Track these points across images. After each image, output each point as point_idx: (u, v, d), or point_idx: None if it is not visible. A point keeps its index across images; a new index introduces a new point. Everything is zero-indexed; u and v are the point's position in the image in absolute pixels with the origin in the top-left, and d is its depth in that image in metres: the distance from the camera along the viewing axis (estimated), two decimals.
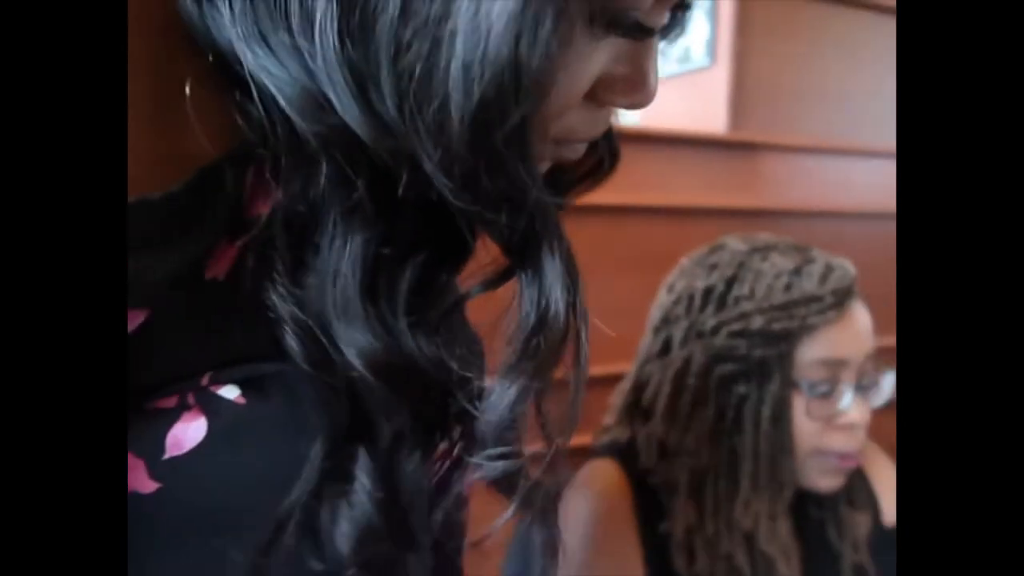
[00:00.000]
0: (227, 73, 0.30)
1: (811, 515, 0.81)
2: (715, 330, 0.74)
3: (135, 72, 0.28)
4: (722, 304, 0.74)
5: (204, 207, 0.31)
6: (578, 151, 0.37)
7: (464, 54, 0.26)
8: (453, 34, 0.26)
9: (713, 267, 0.77)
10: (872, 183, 1.99)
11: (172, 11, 0.30)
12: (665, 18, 0.33)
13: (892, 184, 2.01)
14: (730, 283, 0.75)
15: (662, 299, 0.82)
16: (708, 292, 0.76)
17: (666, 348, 0.78)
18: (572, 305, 0.31)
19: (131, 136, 0.27)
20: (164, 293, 0.30)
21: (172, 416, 0.31)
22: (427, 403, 0.34)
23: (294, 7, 0.28)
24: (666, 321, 0.79)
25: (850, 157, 1.95)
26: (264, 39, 0.28)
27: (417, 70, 0.27)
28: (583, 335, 0.33)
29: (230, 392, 0.33)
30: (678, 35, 0.38)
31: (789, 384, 0.72)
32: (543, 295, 0.31)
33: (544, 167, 0.35)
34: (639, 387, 0.80)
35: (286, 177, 0.30)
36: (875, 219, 1.97)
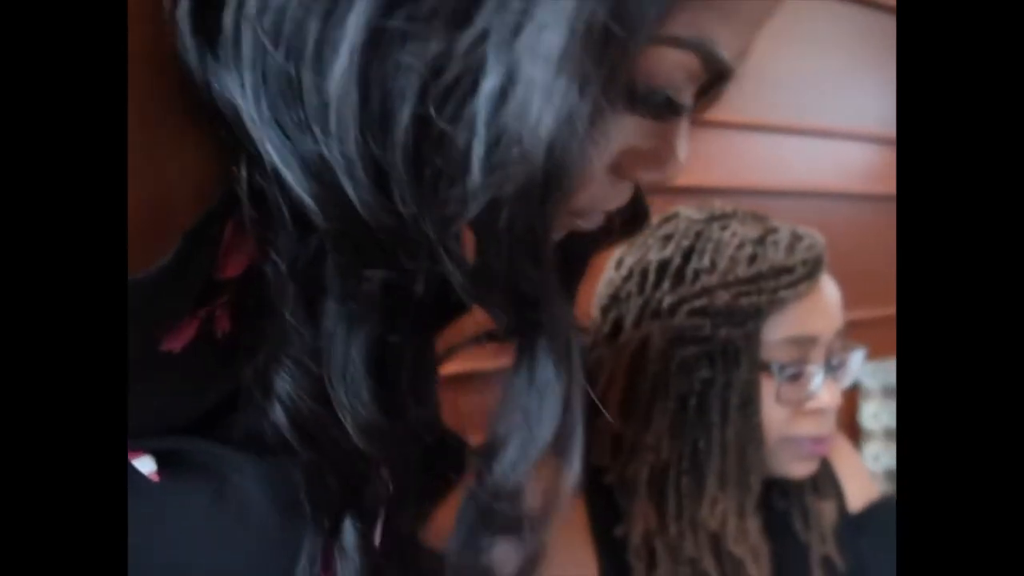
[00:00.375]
0: (227, 132, 0.27)
1: (776, 507, 0.74)
2: (673, 308, 0.65)
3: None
4: (680, 279, 0.66)
5: (185, 278, 0.29)
6: (595, 220, 0.35)
7: (489, 155, 0.24)
8: (477, 131, 0.24)
9: (667, 238, 0.69)
10: (806, 162, 1.97)
11: (165, 48, 0.27)
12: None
13: (826, 163, 2.01)
14: (688, 255, 0.67)
15: (610, 275, 0.73)
16: (663, 266, 0.68)
17: (617, 330, 0.70)
18: (567, 401, 0.31)
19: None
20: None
21: None
22: (421, 464, 0.34)
23: (308, 85, 0.25)
24: (616, 299, 0.71)
25: (784, 135, 1.93)
26: (276, 120, 0.26)
27: (439, 166, 0.25)
28: (576, 430, 0.32)
29: (146, 465, 0.31)
30: (712, 102, 0.35)
31: (757, 367, 0.64)
32: (539, 388, 0.31)
33: (557, 237, 0.34)
34: (587, 375, 0.71)
35: (282, 252, 0.29)
36: (809, 197, 1.95)
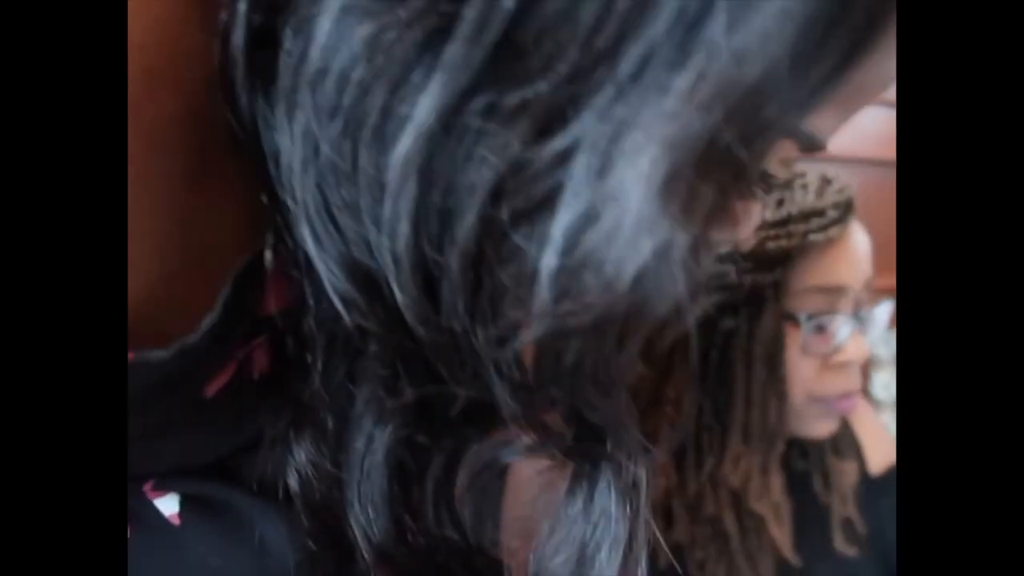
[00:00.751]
0: (268, 194, 0.25)
1: (796, 468, 0.72)
2: None
3: (158, 151, 0.23)
4: None
5: (232, 327, 0.26)
6: None
7: (562, 275, 0.20)
8: (552, 246, 0.20)
9: None
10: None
11: (207, 83, 0.24)
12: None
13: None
14: None
15: None
16: None
17: None
18: (631, 539, 0.27)
19: (152, 226, 0.23)
20: (163, 413, 0.26)
21: None
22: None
23: (364, 164, 0.22)
24: None
25: None
26: (322, 195, 0.23)
27: (502, 280, 0.22)
28: (641, 558, 0.28)
29: (169, 505, 0.30)
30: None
31: (783, 317, 0.61)
32: (596, 519, 0.27)
33: None
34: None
35: (319, 323, 0.26)
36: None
